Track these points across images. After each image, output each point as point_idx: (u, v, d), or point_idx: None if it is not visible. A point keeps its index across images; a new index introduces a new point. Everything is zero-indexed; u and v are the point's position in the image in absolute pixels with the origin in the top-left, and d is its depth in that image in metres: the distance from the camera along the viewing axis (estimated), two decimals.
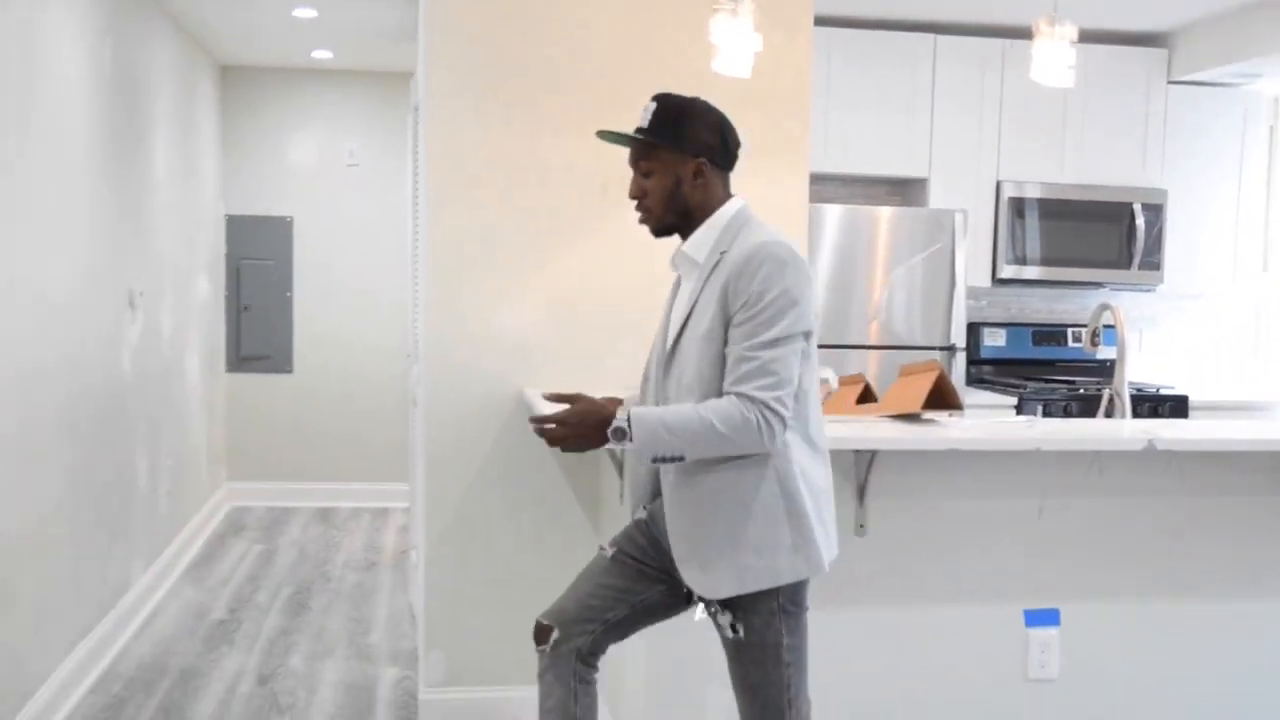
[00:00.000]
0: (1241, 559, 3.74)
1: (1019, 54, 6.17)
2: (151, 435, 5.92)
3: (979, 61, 6.22)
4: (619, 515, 3.95)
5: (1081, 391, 6.10)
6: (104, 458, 5.06)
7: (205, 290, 7.50)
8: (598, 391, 4.28)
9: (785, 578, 2.75)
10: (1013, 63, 6.19)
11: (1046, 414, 5.99)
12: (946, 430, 3.41)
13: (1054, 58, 3.79)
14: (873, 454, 3.47)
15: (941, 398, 3.57)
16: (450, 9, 4.24)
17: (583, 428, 2.73)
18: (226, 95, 8.15)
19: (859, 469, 3.50)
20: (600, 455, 4.21)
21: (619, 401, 2.93)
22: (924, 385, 3.56)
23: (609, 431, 2.66)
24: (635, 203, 2.95)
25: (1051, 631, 3.67)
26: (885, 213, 5.91)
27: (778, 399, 2.60)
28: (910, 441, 3.31)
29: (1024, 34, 6.18)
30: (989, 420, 3.76)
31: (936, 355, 5.96)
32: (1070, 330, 6.75)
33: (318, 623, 5.69)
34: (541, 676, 2.96)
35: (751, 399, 2.59)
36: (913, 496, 3.56)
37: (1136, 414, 6.22)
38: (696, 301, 2.82)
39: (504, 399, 4.32)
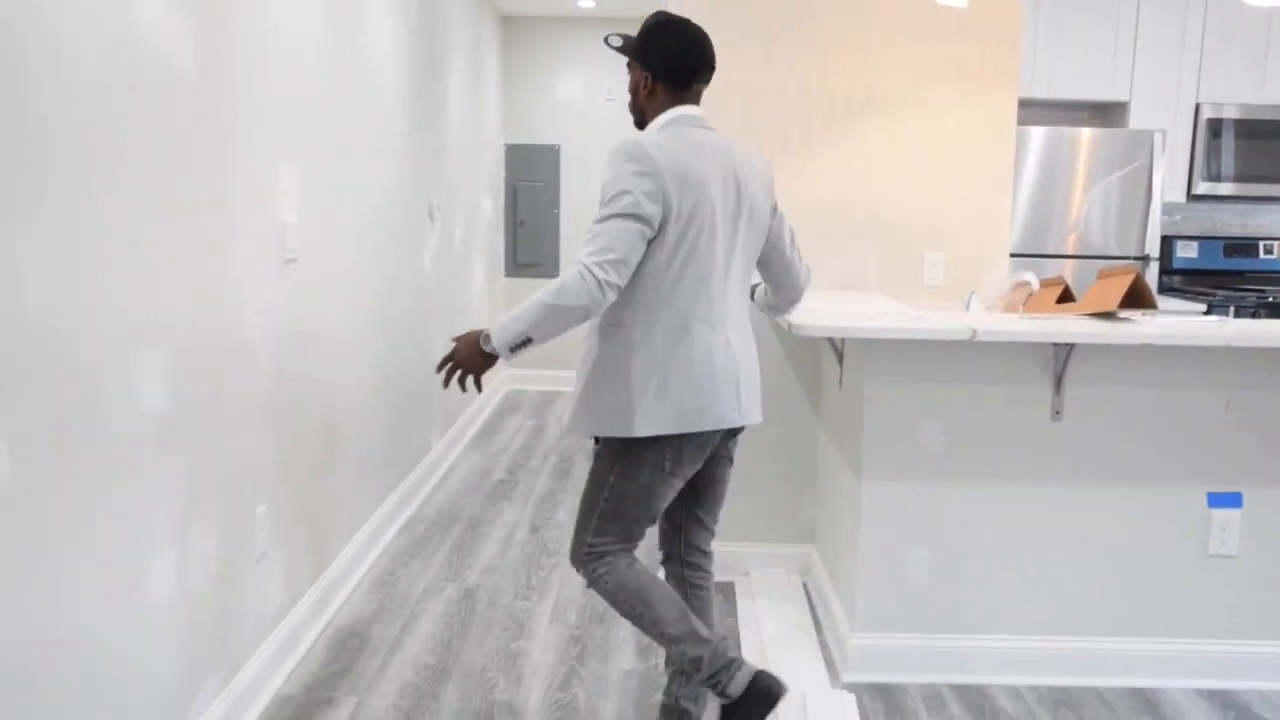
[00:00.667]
0: None
1: None
2: (446, 326, 6.16)
3: None
4: (835, 399, 3.93)
5: (1271, 299, 5.71)
6: (409, 344, 5.29)
7: (488, 208, 7.71)
8: (818, 286, 4.28)
9: (607, 431, 2.78)
10: None
11: (1236, 318, 5.64)
12: (1141, 326, 3.25)
13: None
14: (1070, 347, 3.34)
15: (1137, 298, 3.40)
16: None
17: (466, 354, 2.73)
18: (506, 41, 8.30)
19: (1057, 360, 3.37)
20: (819, 350, 4.19)
21: None
22: (1121, 285, 3.39)
23: (480, 343, 2.69)
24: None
25: (1234, 513, 3.48)
26: (1086, 134, 5.61)
27: (598, 263, 2.60)
28: (1107, 336, 3.16)
29: None
30: (1181, 319, 3.54)
31: (1133, 265, 5.67)
32: (1262, 243, 6.30)
33: (579, 484, 5.86)
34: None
35: (579, 263, 2.62)
36: (1107, 386, 3.41)
37: None
38: None
39: None
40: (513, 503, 5.49)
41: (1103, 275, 3.56)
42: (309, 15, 3.64)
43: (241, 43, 3.05)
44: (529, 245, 8.50)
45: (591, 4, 7.70)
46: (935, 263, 4.31)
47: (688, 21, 2.86)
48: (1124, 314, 3.46)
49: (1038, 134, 5.57)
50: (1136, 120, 5.85)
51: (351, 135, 4.18)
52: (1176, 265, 6.21)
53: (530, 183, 8.41)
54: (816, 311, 3.44)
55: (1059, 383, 3.40)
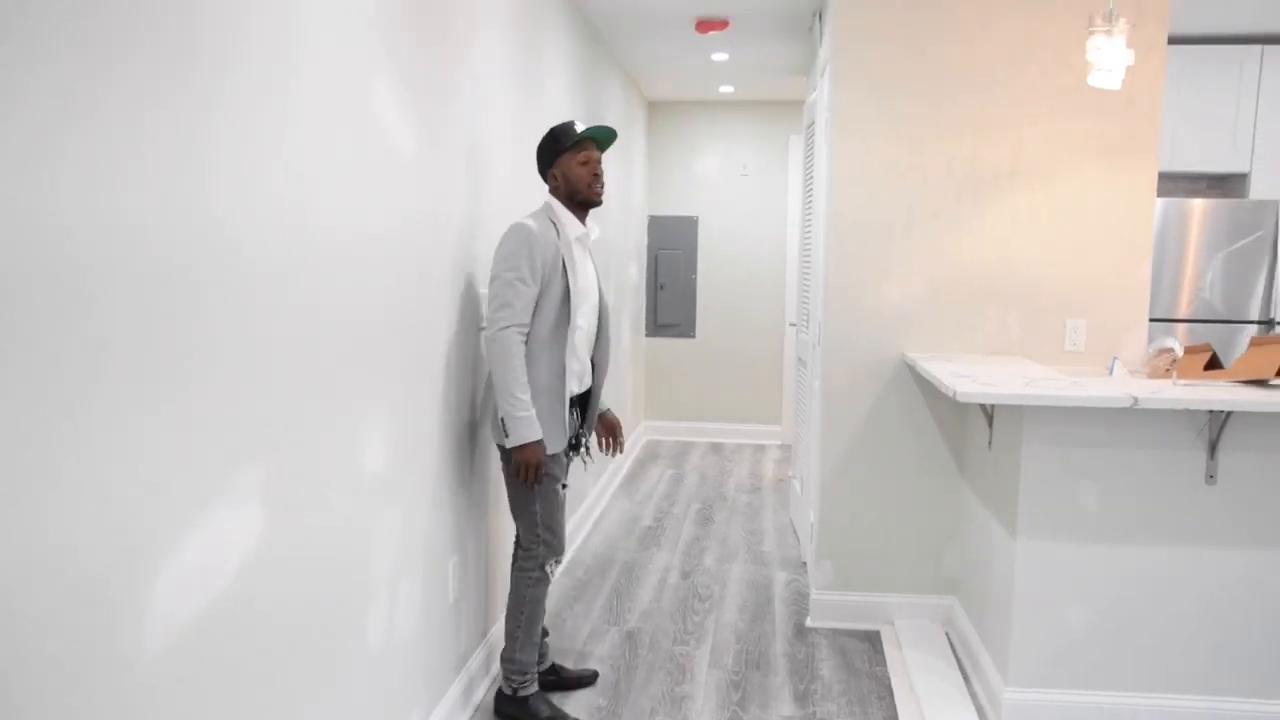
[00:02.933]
0: None
1: None
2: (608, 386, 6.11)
3: None
4: (983, 457, 3.74)
5: None
6: None
7: (635, 273, 7.69)
8: (961, 350, 4.11)
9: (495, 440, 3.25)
10: None
11: None
12: None
13: None
14: (1226, 415, 3.11)
15: None
16: (854, 46, 4.09)
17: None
18: (652, 124, 8.32)
19: (1212, 426, 3.15)
20: (965, 410, 4.01)
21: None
22: (1277, 354, 3.15)
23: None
24: (602, 185, 3.29)
25: None
26: (1203, 204, 5.33)
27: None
28: (1269, 404, 2.94)
29: None
30: None
31: (1251, 329, 5.37)
32: None
33: (721, 532, 5.73)
34: (542, 585, 3.30)
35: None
36: (1261, 452, 3.17)
37: None
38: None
39: (886, 359, 4.16)
40: (662, 548, 5.38)
41: (1256, 343, 3.32)
42: (506, 108, 3.64)
43: (467, 150, 3.05)
44: (669, 307, 8.44)
45: (730, 88, 7.67)
46: (1077, 329, 4.10)
47: None
48: (1276, 382, 3.22)
49: (1158, 204, 5.32)
50: (1257, 191, 5.55)
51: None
52: None
53: (671, 250, 8.38)
54: (975, 378, 3.27)
55: (1214, 448, 3.17)
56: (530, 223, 3.13)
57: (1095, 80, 3.24)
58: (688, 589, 4.71)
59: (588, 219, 3.31)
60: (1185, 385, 3.19)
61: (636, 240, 7.81)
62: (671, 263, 8.38)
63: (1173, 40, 5.47)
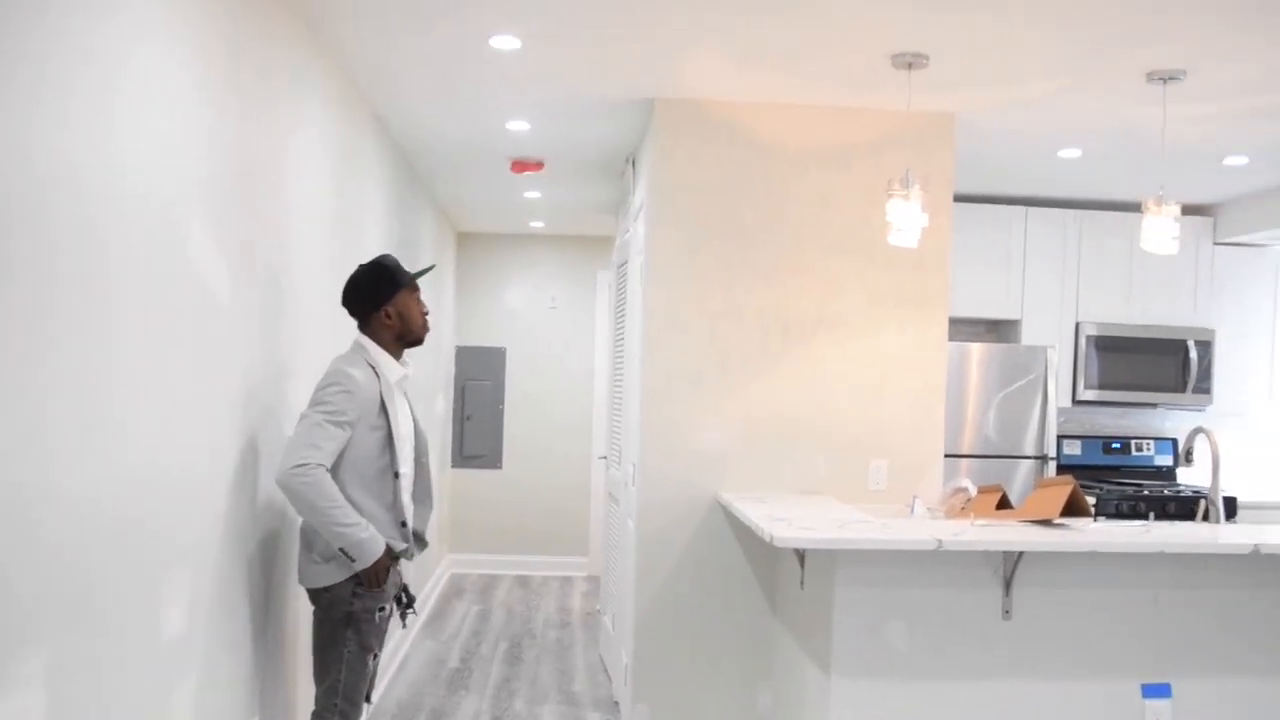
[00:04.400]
0: None
1: (1092, 221, 6.10)
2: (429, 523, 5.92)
3: (1060, 226, 6.10)
4: (795, 597, 3.83)
5: (1148, 492, 5.84)
6: None
7: (442, 405, 7.58)
8: (773, 489, 4.23)
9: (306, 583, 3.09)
10: (1088, 227, 6.09)
11: (1120, 512, 5.74)
12: (1084, 535, 3.24)
13: (1162, 231, 3.65)
14: (1020, 554, 3.31)
15: (1075, 506, 3.41)
16: (669, 190, 4.26)
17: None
18: (461, 254, 8.34)
19: (1007, 565, 3.34)
20: (777, 549, 4.10)
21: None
22: (1061, 495, 3.40)
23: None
24: (427, 321, 3.28)
25: (1165, 702, 3.43)
26: (981, 348, 5.75)
27: None
28: (1055, 544, 3.15)
29: (1096, 205, 6.15)
30: (1114, 525, 3.56)
31: (1026, 464, 5.77)
32: (1133, 442, 6.48)
33: (531, 672, 5.59)
34: None
35: None
36: (1050, 588, 3.38)
37: (1193, 513, 5.96)
38: None
39: (701, 499, 4.24)
40: (470, 692, 5.20)
41: (1042, 485, 3.57)
42: (319, 239, 3.58)
43: (282, 281, 2.97)
44: (475, 438, 8.35)
45: (541, 224, 7.81)
46: (879, 469, 4.30)
47: None
48: (1061, 520, 3.45)
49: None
50: (1028, 336, 6.04)
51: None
52: (1064, 461, 6.32)
53: (478, 381, 8.33)
54: (790, 521, 3.37)
55: (1008, 585, 3.35)
56: (349, 368, 3.00)
57: (894, 239, 3.49)
58: None
59: (404, 356, 3.22)
60: (982, 525, 3.38)
61: (445, 371, 7.73)
62: (479, 393, 8.32)
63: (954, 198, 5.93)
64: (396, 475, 3.06)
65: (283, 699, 3.34)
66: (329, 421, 2.90)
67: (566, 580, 8.17)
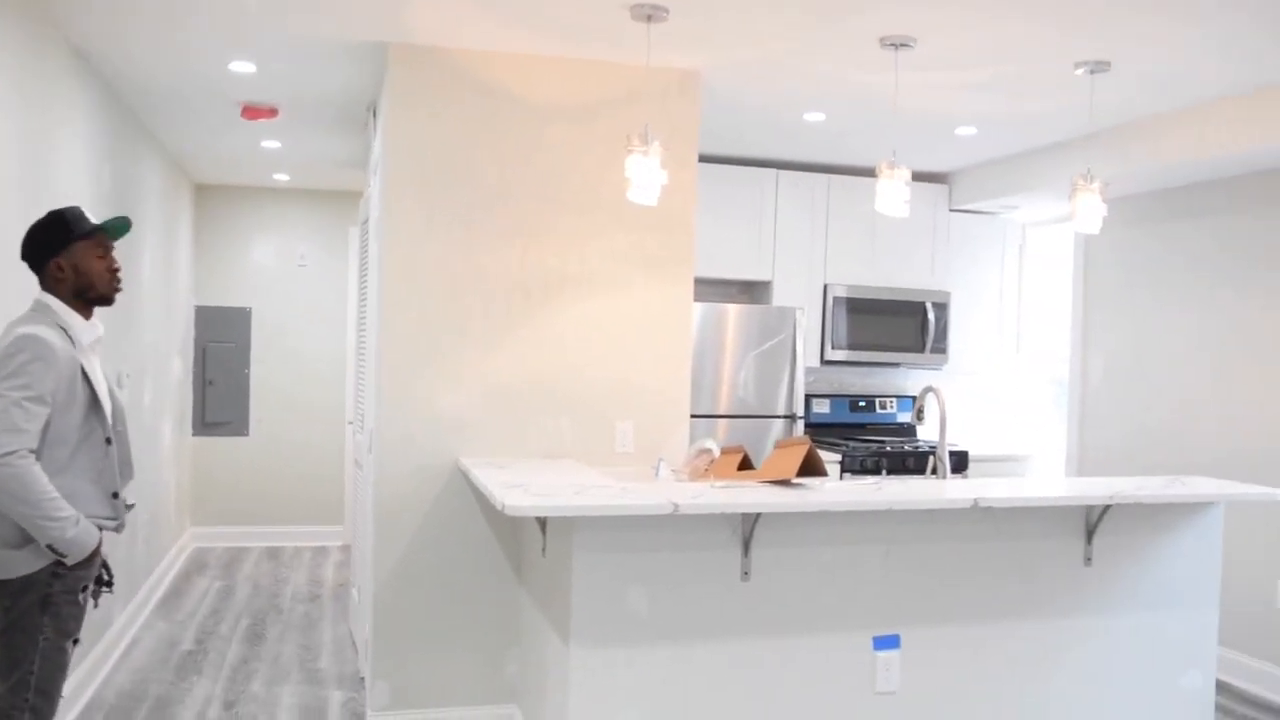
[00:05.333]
0: (1041, 588, 3.66)
1: (840, 185, 6.24)
2: (134, 490, 5.44)
3: (809, 190, 6.21)
4: (538, 564, 3.71)
5: (889, 449, 6.07)
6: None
7: (178, 368, 7.02)
8: (518, 454, 4.09)
9: None
10: (836, 191, 6.23)
11: (864, 468, 5.95)
12: (818, 494, 3.26)
13: (894, 194, 3.71)
14: (757, 515, 3.30)
15: (811, 466, 3.43)
16: (406, 144, 4.01)
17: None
18: (200, 208, 7.73)
19: (745, 526, 3.32)
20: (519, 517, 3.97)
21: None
22: (797, 456, 3.41)
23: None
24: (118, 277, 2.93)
25: (894, 653, 3.52)
26: (736, 309, 5.80)
27: None
28: (790, 505, 3.15)
29: (843, 170, 6.30)
30: (846, 484, 3.61)
31: (779, 423, 5.87)
32: (877, 400, 6.73)
33: (273, 650, 5.26)
34: None
35: None
36: (787, 547, 3.39)
37: (928, 466, 6.25)
38: None
39: (443, 465, 4.05)
40: (203, 676, 4.82)
41: (780, 445, 3.57)
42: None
43: None
44: (218, 404, 7.80)
45: (286, 177, 7.32)
46: (625, 431, 4.22)
47: None
48: (799, 480, 3.47)
49: (696, 308, 5.70)
50: (779, 297, 6.14)
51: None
52: (814, 420, 6.49)
53: (221, 343, 7.77)
54: (527, 487, 3.23)
55: (747, 546, 3.34)
56: (39, 332, 2.66)
57: (633, 196, 3.38)
58: None
59: (93, 315, 2.88)
60: (721, 488, 3.34)
61: (181, 333, 7.16)
62: (222, 356, 7.77)
63: (703, 159, 5.93)
64: (108, 441, 2.80)
65: None
66: (27, 400, 2.58)
67: (320, 550, 7.80)
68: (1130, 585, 3.75)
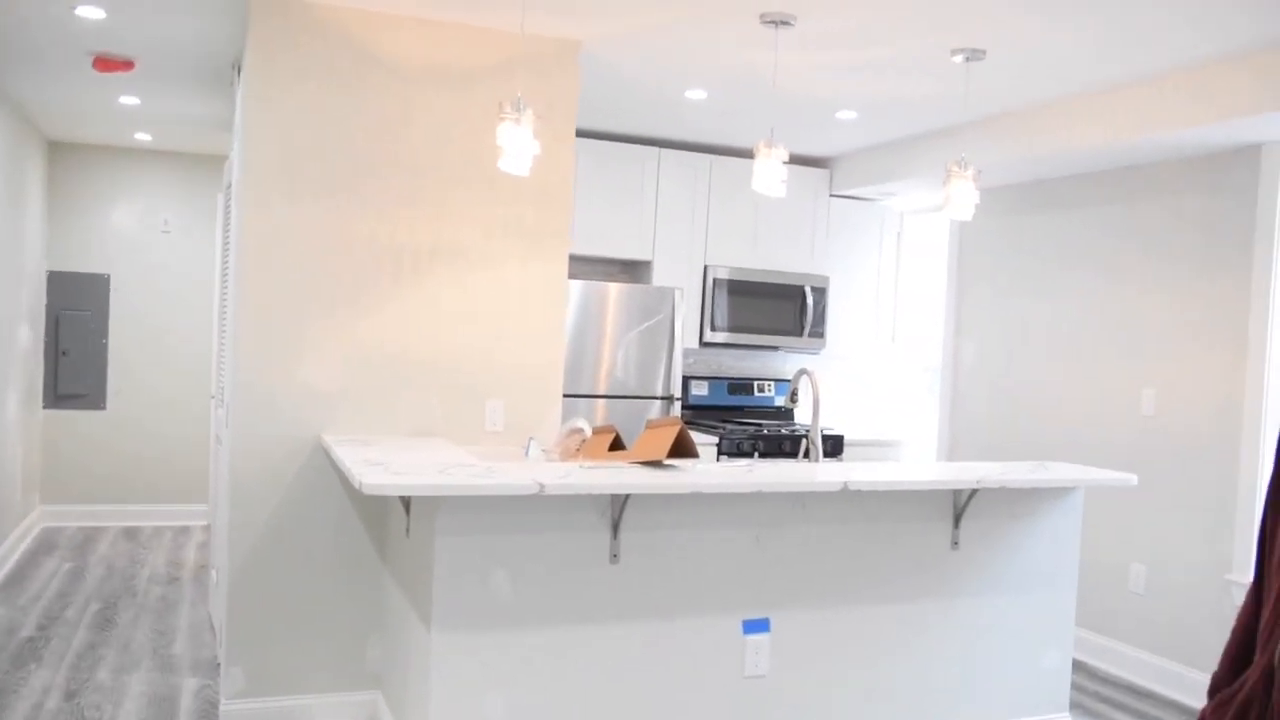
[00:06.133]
0: (909, 572, 3.66)
1: (722, 167, 6.18)
2: None
3: (691, 170, 6.14)
4: (402, 546, 3.56)
5: (766, 432, 6.06)
6: None
7: (26, 337, 6.59)
8: (386, 432, 3.92)
9: None
10: (718, 173, 6.17)
11: (741, 451, 5.92)
12: (688, 475, 3.18)
13: (771, 173, 3.65)
14: (626, 497, 3.20)
15: (682, 448, 3.35)
16: (269, 104, 3.77)
17: None
18: (54, 167, 7.24)
19: (614, 508, 3.23)
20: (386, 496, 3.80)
21: None
22: (668, 437, 3.32)
23: None
24: None
25: (764, 637, 3.48)
26: (617, 288, 5.70)
27: None
28: (660, 486, 3.06)
29: (726, 151, 6.25)
30: (717, 466, 3.54)
31: (657, 404, 5.80)
32: (756, 383, 6.72)
33: (124, 636, 4.97)
34: None
35: None
36: (657, 530, 3.31)
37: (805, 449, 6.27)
38: None
39: (304, 441, 3.84)
40: (43, 665, 4.51)
41: (651, 426, 3.48)
42: None
43: None
44: (73, 376, 7.35)
45: (148, 137, 6.92)
46: (496, 409, 4.08)
47: None
48: (669, 462, 3.39)
49: (576, 286, 5.59)
50: (659, 278, 6.06)
51: None
52: (692, 402, 6.45)
53: (76, 311, 7.32)
54: (389, 465, 3.07)
55: (616, 528, 3.25)
56: None
57: (505, 165, 3.24)
58: (70, 713, 3.96)
59: None
60: (589, 468, 3.24)
61: (30, 299, 6.72)
62: (77, 325, 7.33)
63: (586, 134, 5.82)
64: None
65: None
66: None
67: (183, 530, 7.45)
68: (995, 568, 3.79)
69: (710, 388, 6.56)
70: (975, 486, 3.53)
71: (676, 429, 3.32)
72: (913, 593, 3.68)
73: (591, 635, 3.25)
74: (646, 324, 5.72)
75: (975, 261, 6.14)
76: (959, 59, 4.12)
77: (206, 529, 7.45)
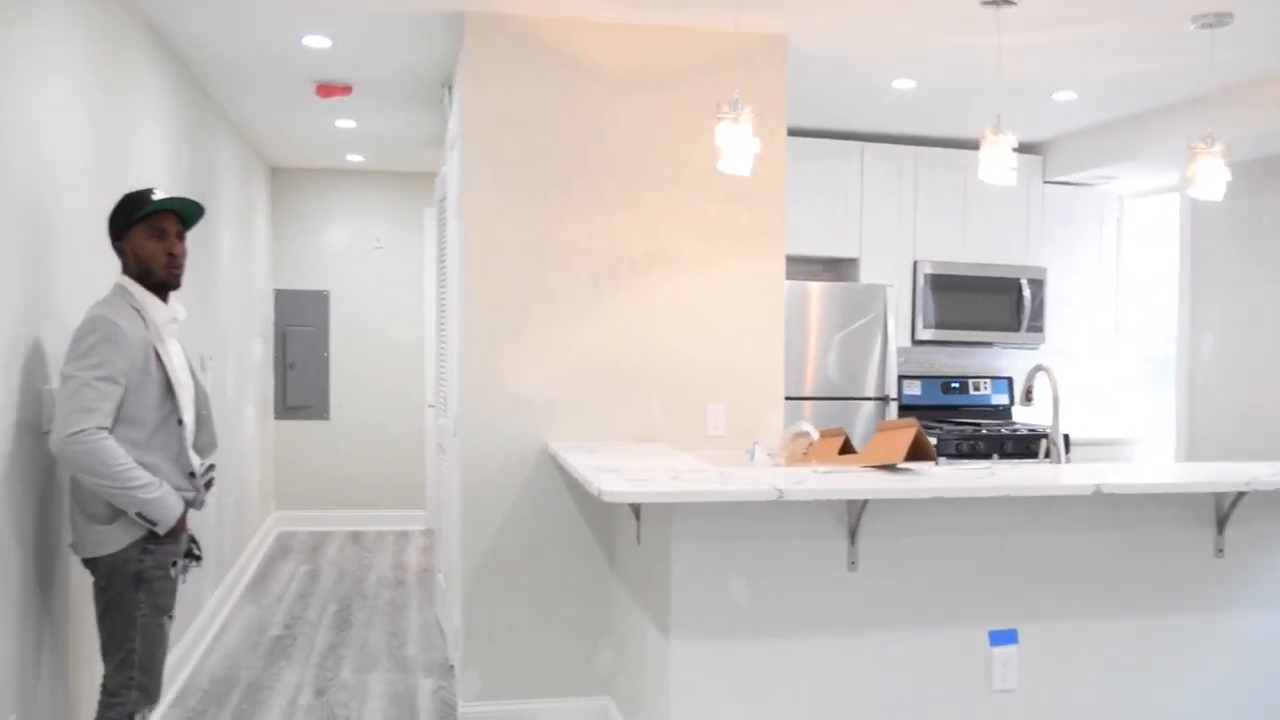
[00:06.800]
0: (1167, 582, 3.39)
1: (928, 158, 5.95)
2: (219, 474, 5.39)
3: (896, 164, 5.94)
4: (632, 552, 3.54)
5: (985, 432, 5.80)
6: None
7: (259, 352, 6.99)
8: (606, 437, 3.92)
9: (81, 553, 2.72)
10: (923, 164, 5.95)
11: (960, 452, 5.69)
12: (929, 480, 3.03)
13: (999, 160, 3.45)
14: (865, 502, 3.08)
15: (920, 450, 3.20)
16: (484, 117, 3.84)
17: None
18: (275, 190, 7.68)
19: (851, 514, 3.11)
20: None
21: None
22: (905, 440, 3.18)
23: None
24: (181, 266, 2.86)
25: (1012, 649, 3.29)
26: (821, 287, 5.56)
27: None
28: (901, 491, 2.93)
29: (930, 142, 6.01)
30: (956, 469, 3.36)
31: (869, 405, 5.63)
32: (971, 381, 6.44)
33: (360, 636, 5.18)
34: None
35: None
36: (896, 536, 3.17)
37: (1031, 451, 5.95)
38: None
39: (530, 449, 3.89)
40: (292, 661, 4.75)
41: (883, 428, 3.35)
42: (77, 161, 3.03)
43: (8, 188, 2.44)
44: (299, 388, 7.76)
45: (360, 157, 7.22)
46: (717, 413, 4.03)
47: None
48: (905, 465, 3.25)
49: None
50: (867, 274, 5.89)
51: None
52: (905, 402, 6.23)
53: (300, 327, 7.73)
54: (622, 472, 3.05)
55: (854, 534, 3.13)
56: (110, 314, 2.64)
57: (724, 166, 3.17)
58: (321, 709, 4.14)
59: (170, 299, 2.86)
60: (825, 472, 3.13)
61: (261, 316, 7.12)
62: (302, 340, 7.73)
63: (788, 131, 5.70)
64: (180, 423, 2.76)
65: (57, 689, 2.86)
66: (99, 379, 2.55)
67: (403, 535, 7.73)
68: (1266, 579, 3.46)
69: (923, 387, 6.33)
70: (1244, 489, 3.22)
71: (913, 431, 3.17)
72: (1173, 605, 3.40)
73: (830, 644, 3.14)
74: (857, 323, 5.55)
75: (1213, 246, 5.69)
76: (1197, 26, 3.81)
77: (425, 533, 7.71)
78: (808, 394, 5.57)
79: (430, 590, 6.01)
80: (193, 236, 4.48)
